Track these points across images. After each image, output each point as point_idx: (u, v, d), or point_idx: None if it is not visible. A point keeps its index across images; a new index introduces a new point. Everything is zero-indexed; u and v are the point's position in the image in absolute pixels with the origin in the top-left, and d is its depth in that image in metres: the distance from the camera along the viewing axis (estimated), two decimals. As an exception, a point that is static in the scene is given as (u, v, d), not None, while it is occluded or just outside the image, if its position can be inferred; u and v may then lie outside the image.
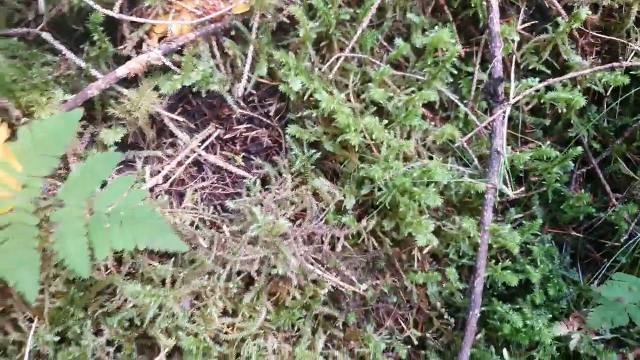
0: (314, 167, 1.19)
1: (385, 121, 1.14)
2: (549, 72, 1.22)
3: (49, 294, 0.97)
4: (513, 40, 1.20)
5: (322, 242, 1.12)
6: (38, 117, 0.94)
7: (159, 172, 1.11)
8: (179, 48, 1.07)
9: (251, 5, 1.09)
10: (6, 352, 0.99)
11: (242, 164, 1.22)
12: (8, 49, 1.01)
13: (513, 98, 1.17)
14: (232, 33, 1.14)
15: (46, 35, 0.98)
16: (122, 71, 1.01)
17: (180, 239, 0.89)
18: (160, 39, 1.10)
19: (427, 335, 1.26)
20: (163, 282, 1.06)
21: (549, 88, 1.18)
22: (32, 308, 0.98)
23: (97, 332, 1.02)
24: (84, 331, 1.00)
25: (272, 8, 1.09)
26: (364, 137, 1.14)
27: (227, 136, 1.23)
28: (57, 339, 0.98)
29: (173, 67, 1.07)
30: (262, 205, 1.11)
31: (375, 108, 1.19)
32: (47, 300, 0.97)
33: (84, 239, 0.77)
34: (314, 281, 1.12)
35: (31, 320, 0.98)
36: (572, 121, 1.24)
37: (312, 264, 1.10)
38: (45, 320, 0.97)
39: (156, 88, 1.11)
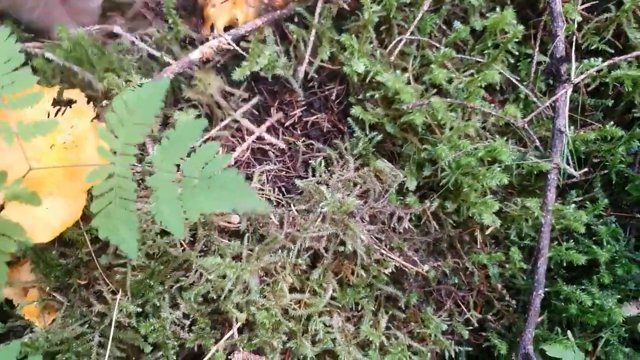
0: (374, 149, 1.21)
1: (448, 100, 1.15)
2: (611, 51, 1.21)
3: (130, 267, 1.02)
4: (573, 20, 1.19)
5: (386, 223, 1.14)
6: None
7: (230, 153, 1.15)
8: (246, 34, 1.11)
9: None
10: (90, 323, 1.04)
11: (303, 148, 1.25)
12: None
13: (576, 77, 1.17)
14: (295, 20, 1.18)
15: (117, 29, 1.04)
16: (195, 55, 1.06)
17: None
18: (226, 28, 1.14)
19: (488, 317, 1.26)
20: (234, 258, 1.10)
21: (612, 67, 1.17)
22: (115, 281, 1.02)
23: (174, 306, 1.06)
24: (162, 304, 1.04)
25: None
26: (426, 117, 1.16)
27: (288, 122, 1.26)
28: (138, 310, 1.02)
29: (242, 52, 1.11)
30: (327, 185, 1.13)
31: (435, 90, 1.21)
32: (129, 273, 1.01)
33: (177, 202, 0.80)
34: (377, 261, 1.14)
35: (114, 293, 1.03)
36: (636, 101, 1.23)
37: (376, 244, 1.12)
38: (127, 293, 1.02)
39: (222, 70, 1.16)
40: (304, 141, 1.26)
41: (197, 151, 0.81)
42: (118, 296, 1.01)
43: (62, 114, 0.92)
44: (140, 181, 1.07)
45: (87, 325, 1.03)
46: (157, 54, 1.07)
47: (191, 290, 1.05)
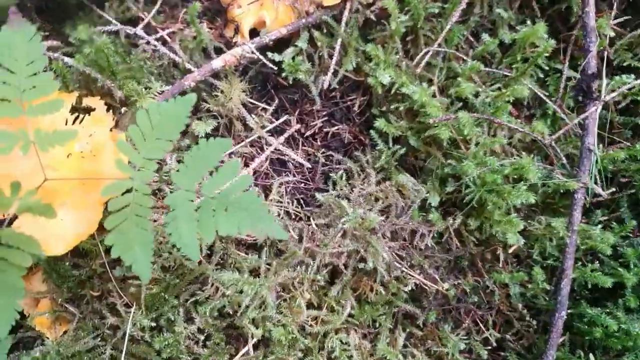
0: (396, 163, 1.18)
1: (475, 115, 1.12)
2: (644, 69, 1.18)
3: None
4: (606, 36, 1.16)
5: (407, 239, 1.11)
6: (140, 106, 0.97)
7: (248, 165, 1.12)
8: (270, 42, 1.08)
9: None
10: (103, 336, 1.01)
11: (323, 160, 1.22)
12: (110, 38, 1.04)
13: (607, 95, 1.13)
14: (322, 28, 1.15)
15: (140, 32, 1.01)
16: (217, 63, 1.02)
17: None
18: (251, 32, 1.11)
19: (507, 337, 1.23)
20: (251, 272, 1.07)
21: (645, 85, 1.14)
22: (129, 294, 1.00)
23: (188, 320, 1.03)
24: (176, 318, 1.01)
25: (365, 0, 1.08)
26: (451, 132, 1.12)
27: (308, 132, 1.23)
28: (152, 324, 0.99)
29: (265, 62, 1.08)
30: (348, 199, 1.10)
31: (461, 104, 1.18)
32: (144, 286, 0.98)
33: (195, 222, 0.78)
34: (397, 278, 1.11)
35: (128, 306, 1.00)
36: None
37: (397, 261, 1.09)
38: (141, 306, 0.99)
39: (244, 80, 1.13)
40: (324, 152, 1.23)
41: (218, 171, 0.77)
42: (132, 309, 0.98)
43: (81, 122, 0.89)
44: (157, 191, 1.04)
45: (99, 338, 1.00)
46: (178, 60, 1.04)
47: (207, 305, 1.02)
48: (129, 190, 0.77)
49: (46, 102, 0.73)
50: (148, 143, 0.76)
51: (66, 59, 0.99)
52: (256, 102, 1.16)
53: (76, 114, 0.91)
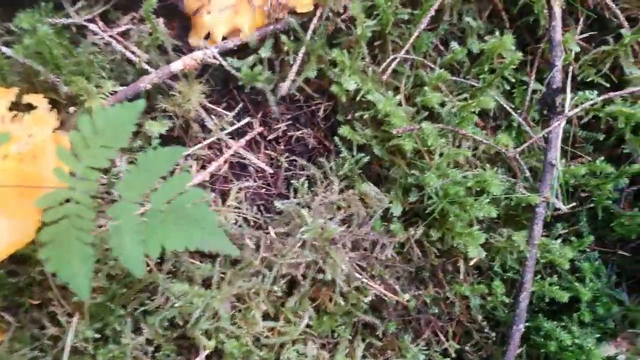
0: (360, 171, 1.16)
1: (439, 125, 1.10)
2: (607, 85, 1.19)
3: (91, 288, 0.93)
4: (571, 51, 1.16)
5: (369, 250, 1.09)
6: (88, 107, 0.91)
7: (205, 168, 1.07)
8: (235, 48, 1.03)
9: (315, 3, 1.05)
10: (42, 347, 0.95)
11: (286, 164, 1.18)
12: (54, 28, 0.97)
13: (570, 110, 1.13)
14: (290, 34, 1.10)
15: (93, 27, 0.94)
16: (176, 66, 0.97)
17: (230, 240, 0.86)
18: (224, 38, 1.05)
19: (466, 348, 1.23)
20: (204, 282, 1.03)
21: (607, 102, 1.15)
22: (72, 303, 0.94)
23: (136, 331, 0.98)
24: (123, 329, 0.96)
25: (336, 6, 1.05)
26: (416, 142, 1.11)
27: (271, 136, 1.19)
28: (96, 336, 0.94)
29: (228, 68, 1.04)
30: (309, 208, 1.07)
31: (426, 113, 1.16)
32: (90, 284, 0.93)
33: (140, 235, 0.73)
34: (357, 288, 1.09)
35: (70, 315, 0.94)
36: (626, 137, 1.20)
37: (357, 272, 1.07)
38: (84, 316, 0.94)
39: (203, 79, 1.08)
40: (287, 157, 1.19)
41: (168, 181, 0.73)
42: (74, 319, 0.93)
43: (20, 120, 0.83)
44: (105, 194, 0.98)
45: (38, 350, 0.94)
46: (134, 58, 0.98)
47: (156, 315, 0.97)
48: (68, 200, 0.71)
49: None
50: (91, 150, 0.71)
51: (4, 48, 0.92)
52: (216, 106, 1.11)
53: (15, 111, 0.84)
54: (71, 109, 0.93)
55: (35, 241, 0.89)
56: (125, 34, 1.00)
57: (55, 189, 0.72)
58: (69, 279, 0.69)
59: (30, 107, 0.86)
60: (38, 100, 0.86)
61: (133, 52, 0.99)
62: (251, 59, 1.07)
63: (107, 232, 0.93)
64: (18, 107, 0.86)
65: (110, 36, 0.97)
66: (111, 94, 0.95)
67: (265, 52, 1.07)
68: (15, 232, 0.77)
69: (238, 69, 1.08)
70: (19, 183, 0.80)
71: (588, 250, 1.20)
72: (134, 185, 0.73)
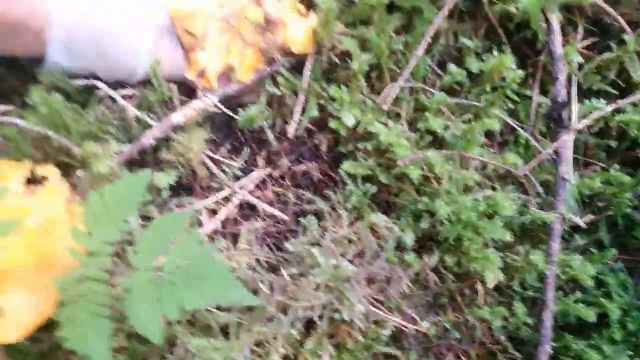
0: (369, 201, 1.15)
1: (445, 152, 1.09)
2: (615, 92, 1.16)
3: (112, 351, 0.95)
4: (574, 61, 1.13)
5: (384, 283, 1.08)
6: (96, 170, 0.93)
7: (215, 213, 1.09)
8: (234, 94, 1.05)
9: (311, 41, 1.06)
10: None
11: (293, 199, 1.18)
12: (71, 97, 1.00)
13: (579, 122, 1.11)
14: (285, 74, 1.11)
15: (101, 85, 0.97)
16: (177, 118, 0.99)
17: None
18: (220, 77, 1.07)
19: (492, 370, 1.21)
20: (222, 329, 1.04)
21: (617, 110, 1.12)
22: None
23: (160, 384, 1.00)
24: (147, 384, 0.98)
25: (330, 42, 1.05)
26: (422, 169, 1.10)
27: (277, 172, 1.20)
28: (121, 394, 0.96)
29: (230, 113, 1.05)
30: (320, 245, 1.07)
31: (431, 137, 1.15)
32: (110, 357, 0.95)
33: (156, 303, 0.75)
34: (376, 322, 1.08)
35: (95, 375, 0.96)
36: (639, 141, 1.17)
37: (374, 305, 1.06)
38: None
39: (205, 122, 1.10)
40: (294, 192, 1.20)
41: (179, 243, 0.74)
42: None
43: (34, 193, 0.85)
44: (120, 251, 1.00)
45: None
46: (138, 113, 1.00)
47: (178, 366, 0.98)
48: (83, 280, 0.73)
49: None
50: (103, 225, 0.72)
51: (18, 121, 0.95)
52: (220, 148, 1.12)
53: (29, 184, 0.87)
54: (81, 173, 0.95)
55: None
56: (131, 97, 1.02)
57: (70, 269, 0.74)
58: (87, 354, 0.70)
59: (42, 180, 0.89)
60: (50, 171, 0.88)
61: (138, 111, 1.01)
62: (253, 108, 1.08)
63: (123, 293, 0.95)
64: (30, 180, 0.89)
65: (119, 97, 0.99)
66: (117, 154, 0.97)
67: (263, 96, 1.08)
68: (37, 307, 0.79)
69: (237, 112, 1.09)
70: (35, 257, 0.82)
71: (611, 262, 1.16)
72: (146, 252, 0.74)
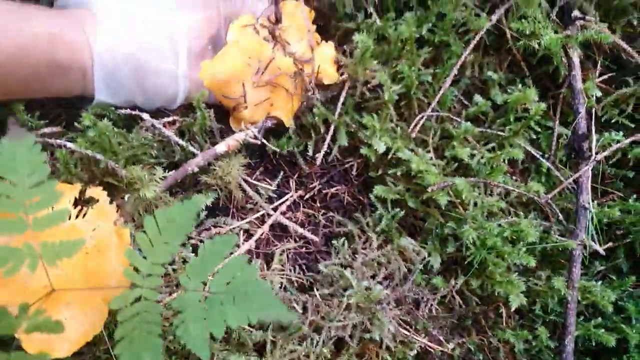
0: (397, 225, 1.19)
1: (471, 179, 1.14)
2: (632, 125, 1.21)
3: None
4: (593, 96, 1.19)
5: (413, 305, 1.12)
6: (143, 194, 0.97)
7: (251, 236, 1.13)
8: (272, 126, 1.10)
9: (343, 75, 1.12)
10: None
11: (324, 221, 1.23)
12: (117, 123, 1.05)
13: (597, 153, 1.16)
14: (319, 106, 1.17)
15: (145, 116, 1.02)
16: (221, 148, 1.04)
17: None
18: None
19: (514, 392, 1.24)
20: (255, 346, 1.07)
21: (634, 142, 1.17)
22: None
23: (196, 400, 1.03)
24: (184, 400, 1.00)
25: (363, 77, 1.11)
26: (449, 194, 1.14)
27: (308, 195, 1.24)
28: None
29: (268, 145, 1.10)
30: (351, 267, 1.11)
31: (456, 164, 1.20)
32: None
33: (203, 322, 0.78)
34: (403, 342, 1.12)
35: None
36: (656, 172, 1.22)
37: (402, 326, 1.10)
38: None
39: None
40: (324, 214, 1.24)
41: (225, 265, 0.78)
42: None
43: (84, 215, 0.90)
44: (167, 274, 1.04)
45: None
46: (182, 143, 1.05)
47: (214, 383, 1.01)
48: (137, 300, 0.77)
49: (52, 214, 0.74)
50: (155, 248, 0.77)
51: (68, 144, 1.00)
52: (255, 171, 1.17)
53: (79, 206, 0.91)
54: (126, 196, 1.00)
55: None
56: (173, 123, 1.07)
57: (124, 290, 0.78)
58: (140, 371, 0.74)
59: (91, 201, 0.93)
60: (99, 193, 0.93)
61: (181, 136, 1.06)
62: (286, 138, 1.14)
63: (164, 309, 0.99)
64: (81, 202, 0.93)
65: (162, 127, 1.04)
66: (162, 179, 1.02)
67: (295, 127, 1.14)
68: (86, 324, 0.82)
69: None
70: (86, 277, 0.86)
71: (630, 289, 1.20)
72: (196, 275, 0.78)
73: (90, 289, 0.81)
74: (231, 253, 1.10)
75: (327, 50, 1.15)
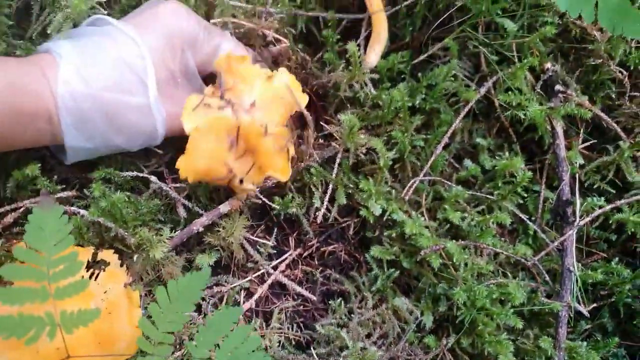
0: (392, 285, 1.25)
1: (462, 242, 1.20)
2: (613, 191, 1.29)
3: None
4: (576, 163, 1.27)
5: (406, 364, 1.16)
6: (152, 255, 1.03)
7: (252, 294, 1.18)
8: (273, 185, 1.17)
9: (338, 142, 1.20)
10: None
11: (321, 279, 1.28)
12: (122, 185, 1.12)
13: (581, 217, 1.23)
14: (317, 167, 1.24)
15: (153, 178, 1.09)
16: (224, 208, 1.10)
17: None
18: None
19: None
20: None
21: (615, 208, 1.24)
22: None
23: None
24: None
25: (355, 146, 1.19)
26: (442, 256, 1.20)
27: (306, 253, 1.30)
28: None
29: (269, 203, 1.17)
30: (347, 328, 1.15)
31: (448, 225, 1.26)
32: None
33: (209, 388, 0.82)
34: (396, 400, 1.15)
35: None
36: (638, 235, 1.29)
37: (396, 385, 1.14)
38: None
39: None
40: (321, 271, 1.29)
41: (230, 336, 0.83)
42: None
43: (96, 278, 0.95)
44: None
45: None
46: (189, 204, 1.11)
47: None
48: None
49: (73, 283, 0.79)
50: (166, 316, 0.82)
51: (82, 211, 1.05)
52: (255, 230, 1.23)
53: (91, 269, 0.96)
54: (135, 257, 1.05)
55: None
56: (179, 189, 1.14)
57: (129, 346, 0.82)
58: None
59: (103, 265, 0.98)
60: (110, 256, 0.98)
61: (188, 202, 1.12)
62: (287, 198, 1.20)
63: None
64: (92, 265, 0.98)
65: (171, 190, 1.10)
66: (169, 239, 1.07)
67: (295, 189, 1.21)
68: (96, 388, 0.86)
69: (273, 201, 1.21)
70: (96, 338, 0.91)
71: (614, 349, 1.25)
72: (203, 344, 0.83)
73: (103, 355, 0.85)
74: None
75: (282, 80, 1.08)
